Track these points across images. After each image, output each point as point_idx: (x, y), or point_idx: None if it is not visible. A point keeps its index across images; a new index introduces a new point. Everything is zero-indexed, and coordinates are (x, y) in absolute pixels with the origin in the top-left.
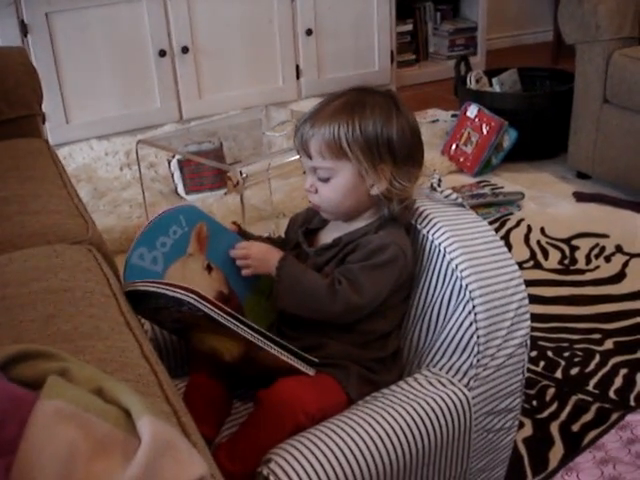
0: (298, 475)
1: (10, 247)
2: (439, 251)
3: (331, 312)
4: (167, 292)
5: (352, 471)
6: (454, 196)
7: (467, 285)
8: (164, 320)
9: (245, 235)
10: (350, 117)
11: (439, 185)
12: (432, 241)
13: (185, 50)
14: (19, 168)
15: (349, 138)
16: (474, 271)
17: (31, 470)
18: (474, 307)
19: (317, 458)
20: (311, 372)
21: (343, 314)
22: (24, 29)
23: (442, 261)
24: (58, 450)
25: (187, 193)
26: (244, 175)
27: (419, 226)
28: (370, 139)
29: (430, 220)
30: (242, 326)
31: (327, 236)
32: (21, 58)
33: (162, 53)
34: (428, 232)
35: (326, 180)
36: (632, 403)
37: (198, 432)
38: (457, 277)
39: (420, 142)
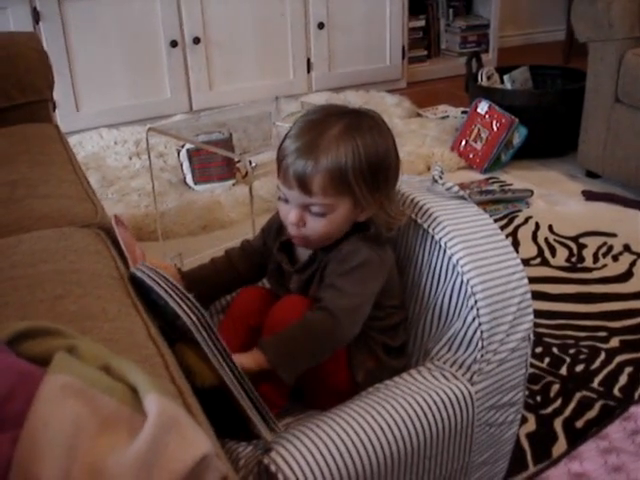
0: (299, 465)
1: (19, 230)
2: (440, 246)
3: (337, 329)
4: (169, 300)
5: (353, 462)
6: (455, 189)
7: (468, 280)
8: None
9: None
10: (355, 145)
11: (441, 177)
12: (432, 236)
13: (196, 41)
14: (29, 152)
15: (356, 169)
16: (475, 266)
17: (37, 444)
18: (476, 302)
19: (318, 448)
20: (268, 437)
21: (347, 323)
22: (36, 16)
23: (443, 256)
24: (64, 425)
25: (195, 183)
26: (253, 165)
27: (419, 220)
28: (374, 168)
29: (430, 215)
30: (224, 363)
31: (303, 249)
32: (33, 43)
33: (173, 44)
34: (429, 227)
35: (321, 215)
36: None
37: (203, 414)
38: (458, 272)
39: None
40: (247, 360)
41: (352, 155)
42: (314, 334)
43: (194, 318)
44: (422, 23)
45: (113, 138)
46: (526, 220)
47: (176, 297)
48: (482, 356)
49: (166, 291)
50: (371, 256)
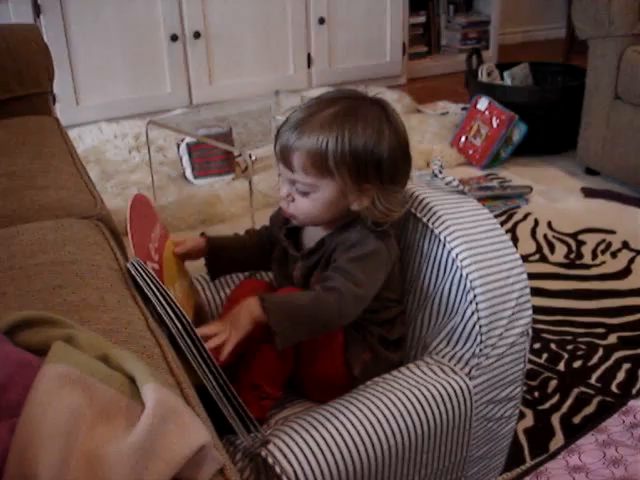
0: (297, 458)
1: (18, 221)
2: (439, 241)
3: (342, 312)
4: (156, 303)
5: (350, 454)
6: (455, 183)
7: (467, 275)
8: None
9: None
10: (340, 132)
11: (440, 172)
12: (432, 230)
13: (197, 35)
14: (29, 144)
15: (337, 156)
16: (474, 260)
17: (35, 432)
18: (475, 297)
19: (316, 441)
20: (247, 441)
21: (351, 308)
22: (37, 9)
23: (442, 251)
24: (62, 414)
25: (195, 177)
26: (253, 159)
27: (419, 214)
28: (359, 159)
29: (430, 209)
30: (207, 371)
31: (310, 236)
32: (33, 36)
33: (174, 38)
34: (428, 221)
35: (305, 194)
36: None
37: (201, 405)
38: (457, 267)
39: (409, 159)
40: (244, 316)
41: (335, 141)
42: (321, 312)
43: (179, 325)
44: (422, 19)
45: (113, 132)
46: (525, 216)
47: (164, 303)
48: (481, 350)
49: (154, 295)
50: (380, 246)
